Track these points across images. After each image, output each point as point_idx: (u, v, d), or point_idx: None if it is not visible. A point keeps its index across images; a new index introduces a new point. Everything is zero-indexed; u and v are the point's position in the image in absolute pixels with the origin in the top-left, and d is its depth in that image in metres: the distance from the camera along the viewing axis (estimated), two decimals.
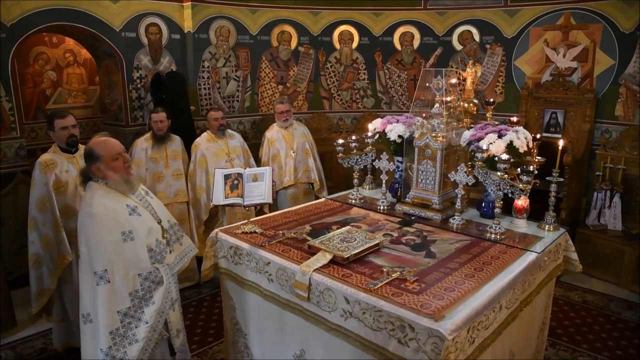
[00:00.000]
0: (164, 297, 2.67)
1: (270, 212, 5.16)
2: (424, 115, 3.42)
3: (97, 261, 2.53)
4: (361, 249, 2.68)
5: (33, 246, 3.70)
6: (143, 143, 4.74)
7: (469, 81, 4.21)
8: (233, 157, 5.07)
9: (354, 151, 3.77)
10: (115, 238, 2.57)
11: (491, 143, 3.16)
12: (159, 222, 2.85)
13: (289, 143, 5.48)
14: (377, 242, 2.79)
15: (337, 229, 3.03)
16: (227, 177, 3.26)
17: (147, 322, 2.59)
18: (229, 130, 5.31)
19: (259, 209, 4.74)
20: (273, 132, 5.56)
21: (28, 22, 4.97)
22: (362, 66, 7.42)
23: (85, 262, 2.57)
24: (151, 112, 4.83)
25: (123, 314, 2.54)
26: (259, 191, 3.22)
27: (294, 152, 5.46)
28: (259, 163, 5.54)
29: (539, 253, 2.79)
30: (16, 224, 4.88)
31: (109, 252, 2.54)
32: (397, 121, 3.76)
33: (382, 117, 3.93)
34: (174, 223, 3.04)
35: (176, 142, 4.91)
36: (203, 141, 5.07)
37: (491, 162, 3.08)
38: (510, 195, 2.91)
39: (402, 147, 3.61)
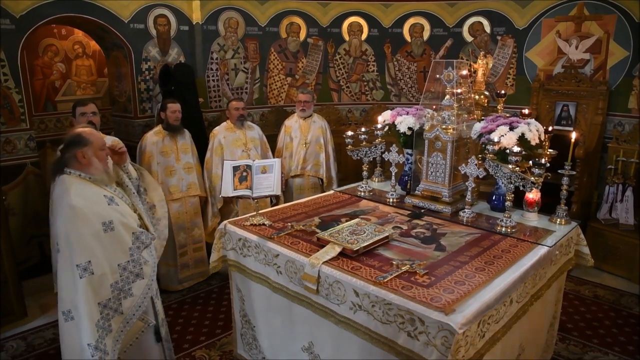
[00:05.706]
0: (144, 291, 2.69)
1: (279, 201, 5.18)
2: (434, 107, 3.39)
3: (78, 253, 2.44)
4: (371, 241, 2.67)
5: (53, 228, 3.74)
6: (153, 137, 4.70)
7: (480, 73, 4.17)
8: (250, 147, 5.07)
9: (363, 143, 3.75)
10: (96, 229, 2.50)
11: (502, 135, 3.13)
12: (135, 211, 2.84)
13: (304, 134, 5.48)
14: (386, 234, 2.77)
15: (346, 221, 3.02)
16: (235, 168, 3.26)
17: (122, 313, 2.60)
18: (249, 122, 5.33)
19: (276, 202, 4.73)
20: (292, 121, 5.60)
21: (37, 13, 4.96)
22: (371, 58, 7.35)
23: (64, 256, 2.46)
24: (165, 102, 4.78)
25: (103, 305, 2.51)
26: (267, 183, 3.21)
27: (306, 144, 5.47)
28: (275, 149, 5.58)
29: (550, 247, 2.76)
30: (26, 215, 4.91)
31: (90, 244, 2.47)
32: (407, 113, 3.74)
33: (391, 109, 3.90)
34: (148, 208, 3.03)
35: (186, 135, 4.90)
36: (222, 130, 5.09)
37: (502, 155, 3.04)
38: (521, 188, 2.88)
39: (412, 140, 3.59)
